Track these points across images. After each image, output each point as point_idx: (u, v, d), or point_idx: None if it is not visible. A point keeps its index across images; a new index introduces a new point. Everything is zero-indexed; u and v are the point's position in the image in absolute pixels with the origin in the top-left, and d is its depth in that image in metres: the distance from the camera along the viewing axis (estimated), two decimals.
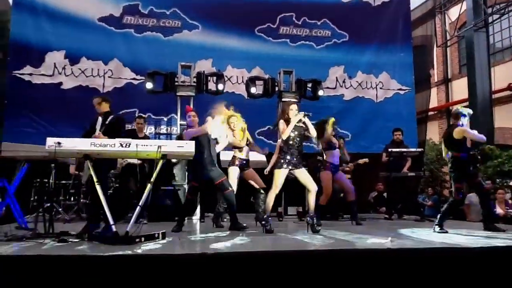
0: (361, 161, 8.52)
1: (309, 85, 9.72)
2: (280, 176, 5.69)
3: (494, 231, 5.78)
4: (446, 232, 5.74)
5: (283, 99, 9.36)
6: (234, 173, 6.67)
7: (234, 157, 6.72)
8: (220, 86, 9.25)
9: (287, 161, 5.70)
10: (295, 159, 5.72)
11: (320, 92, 9.66)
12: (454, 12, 13.90)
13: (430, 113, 13.67)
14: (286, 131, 5.72)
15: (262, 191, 6.70)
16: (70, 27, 10.47)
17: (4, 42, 10.49)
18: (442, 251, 4.10)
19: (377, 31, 12.09)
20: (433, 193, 11.44)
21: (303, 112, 5.83)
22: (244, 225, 5.98)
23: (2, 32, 10.67)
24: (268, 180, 6.68)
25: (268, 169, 7.10)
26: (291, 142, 5.74)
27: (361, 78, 11.94)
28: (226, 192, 5.99)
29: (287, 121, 5.77)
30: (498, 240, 4.84)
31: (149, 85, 8.96)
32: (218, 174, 6.00)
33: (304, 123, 5.84)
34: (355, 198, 7.38)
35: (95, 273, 3.34)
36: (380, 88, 12.00)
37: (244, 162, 6.72)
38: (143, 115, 8.29)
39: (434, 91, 14.15)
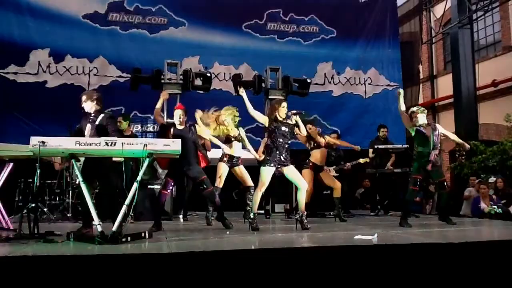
0: (361, 160, 8.52)
1: (296, 84, 9.68)
2: (266, 174, 5.66)
3: (448, 223, 6.28)
4: (411, 226, 6.00)
5: (269, 96, 9.35)
6: (221, 169, 6.70)
7: (223, 153, 6.74)
8: (207, 84, 9.21)
9: (273, 159, 5.68)
10: (282, 157, 5.69)
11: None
12: (439, 9, 13.97)
13: None
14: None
15: (250, 189, 6.73)
16: (55, 25, 10.35)
17: None
18: (426, 246, 4.14)
19: (365, 27, 12.18)
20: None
21: (295, 110, 5.85)
22: (230, 223, 5.99)
23: None
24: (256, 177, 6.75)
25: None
26: (277, 140, 5.73)
27: (350, 74, 12.00)
28: (205, 192, 5.94)
29: (275, 121, 5.77)
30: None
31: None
32: (197, 173, 5.92)
33: (295, 121, 5.86)
34: (340, 195, 7.43)
35: (82, 273, 3.31)
36: (369, 84, 12.08)
37: (233, 159, 6.73)
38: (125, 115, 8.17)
39: (419, 88, 14.27)
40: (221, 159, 6.82)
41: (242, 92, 6.00)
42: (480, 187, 8.97)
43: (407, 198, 6.51)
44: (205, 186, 5.90)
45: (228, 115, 6.71)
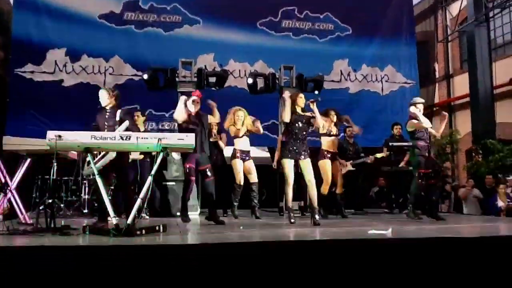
0: (378, 155, 8.47)
1: (311, 83, 9.62)
2: (287, 166, 5.79)
3: (438, 219, 6.25)
4: (422, 219, 6.16)
5: (283, 95, 9.32)
6: (238, 165, 6.83)
7: (235, 149, 6.83)
8: (221, 82, 9.22)
9: (290, 150, 5.79)
10: (299, 149, 5.79)
11: (315, 92, 9.45)
12: (455, 8, 13.84)
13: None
14: (286, 113, 5.81)
15: (253, 186, 6.91)
16: (71, 25, 10.52)
17: (6, 41, 10.54)
18: (441, 240, 4.11)
19: (381, 24, 12.12)
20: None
21: (312, 99, 5.88)
22: (221, 219, 6.03)
23: (5, 31, 10.71)
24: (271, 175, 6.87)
25: (274, 163, 7.36)
26: (295, 132, 5.81)
27: (366, 71, 11.95)
28: (206, 180, 6.01)
29: (293, 113, 5.83)
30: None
31: (145, 76, 8.95)
32: (204, 160, 6.03)
33: (312, 112, 5.88)
34: (341, 191, 7.44)
35: (96, 263, 3.35)
36: (386, 81, 12.01)
37: (245, 154, 6.84)
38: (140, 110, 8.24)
39: (436, 87, 14.16)
40: (234, 156, 6.91)
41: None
42: (499, 186, 8.91)
43: (415, 192, 6.51)
44: (207, 174, 5.99)
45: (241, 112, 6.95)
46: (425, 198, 6.82)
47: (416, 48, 12.38)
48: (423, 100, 6.89)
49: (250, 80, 9.37)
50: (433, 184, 6.87)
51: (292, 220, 5.73)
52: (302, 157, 5.79)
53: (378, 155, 8.41)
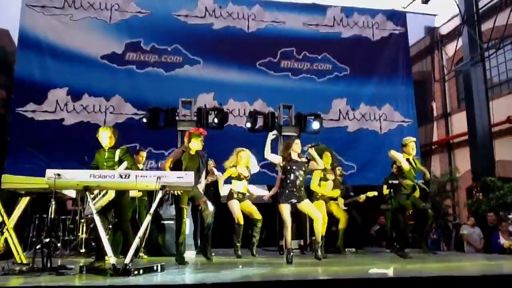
0: (369, 193, 8.45)
1: (311, 118, 9.71)
2: (284, 211, 5.78)
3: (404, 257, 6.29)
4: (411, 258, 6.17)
5: (283, 133, 9.39)
6: (235, 206, 6.84)
7: (231, 190, 6.88)
8: (221, 121, 9.30)
9: (287, 196, 5.81)
10: (296, 194, 5.80)
11: (316, 125, 9.60)
12: (450, 48, 14.07)
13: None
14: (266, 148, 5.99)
15: (258, 223, 6.97)
16: (73, 65, 10.69)
17: (8, 81, 10.68)
18: (444, 279, 4.04)
19: (378, 64, 12.35)
20: (436, 226, 11.31)
21: (310, 144, 5.95)
22: (210, 257, 6.11)
23: (8, 71, 10.87)
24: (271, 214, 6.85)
25: (266, 197, 7.39)
26: (292, 178, 5.82)
27: (365, 110, 12.08)
28: (206, 213, 6.00)
29: (289, 159, 5.86)
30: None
31: (145, 120, 9.09)
32: (199, 194, 6.04)
33: (311, 155, 5.96)
34: (345, 226, 7.55)
35: None
36: (384, 120, 12.11)
37: (241, 194, 6.86)
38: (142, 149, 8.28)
39: (433, 125, 14.23)
40: (230, 197, 6.95)
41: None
42: (502, 224, 8.87)
43: (398, 229, 6.72)
44: (205, 207, 5.99)
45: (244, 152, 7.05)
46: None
47: (413, 87, 12.54)
48: (413, 139, 7.07)
49: (249, 124, 9.49)
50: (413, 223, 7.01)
51: (290, 260, 5.65)
52: (299, 201, 5.84)
53: (370, 194, 8.38)
